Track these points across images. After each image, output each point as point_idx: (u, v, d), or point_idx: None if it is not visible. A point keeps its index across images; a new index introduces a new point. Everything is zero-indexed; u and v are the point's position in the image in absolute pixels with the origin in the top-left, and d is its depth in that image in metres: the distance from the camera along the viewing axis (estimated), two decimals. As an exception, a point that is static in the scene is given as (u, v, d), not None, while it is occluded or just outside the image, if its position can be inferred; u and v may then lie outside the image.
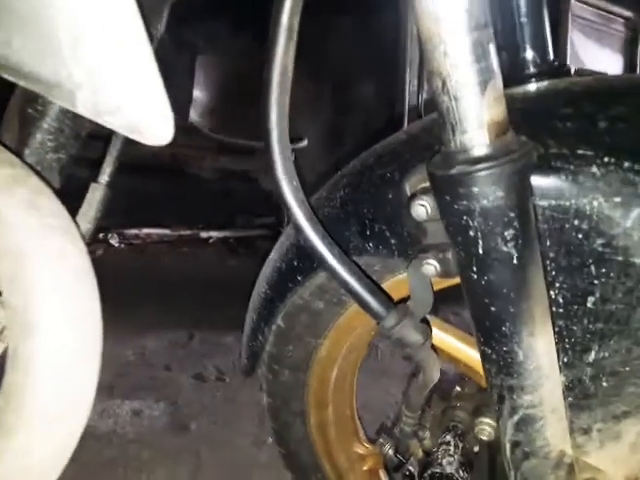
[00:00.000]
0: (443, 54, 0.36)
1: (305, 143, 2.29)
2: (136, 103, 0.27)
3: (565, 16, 1.88)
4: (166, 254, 2.60)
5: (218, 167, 2.50)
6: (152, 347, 1.77)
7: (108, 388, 1.44)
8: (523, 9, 0.60)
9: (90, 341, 0.32)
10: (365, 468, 0.85)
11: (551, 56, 0.61)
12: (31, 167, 0.35)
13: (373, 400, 1.52)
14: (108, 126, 0.28)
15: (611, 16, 2.10)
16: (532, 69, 0.61)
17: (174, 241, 2.68)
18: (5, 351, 0.33)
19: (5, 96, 0.41)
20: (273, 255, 0.68)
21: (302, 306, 0.64)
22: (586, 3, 1.98)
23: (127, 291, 1.93)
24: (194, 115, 2.33)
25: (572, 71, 0.61)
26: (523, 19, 0.61)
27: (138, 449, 1.32)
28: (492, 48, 0.37)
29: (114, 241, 2.51)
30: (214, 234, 2.91)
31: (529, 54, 0.61)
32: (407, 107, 2.11)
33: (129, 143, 0.42)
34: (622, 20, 2.15)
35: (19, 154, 0.37)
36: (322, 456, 0.82)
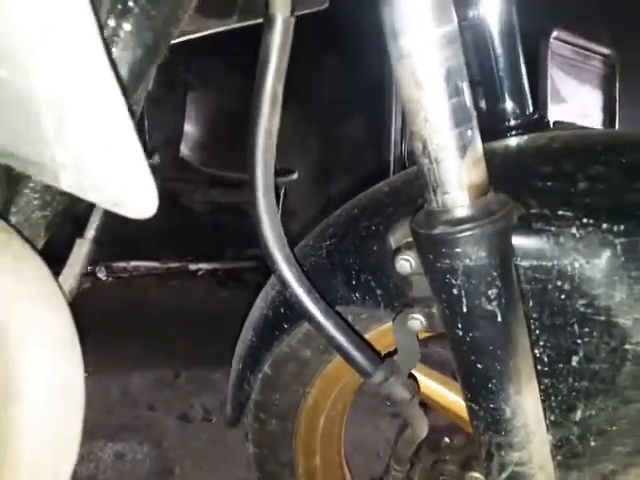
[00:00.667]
0: (424, 119, 0.37)
1: (295, 176, 2.32)
2: (121, 180, 0.27)
3: (544, 54, 1.94)
4: (154, 287, 2.58)
5: (208, 200, 2.51)
6: (137, 385, 1.73)
7: (90, 429, 1.40)
8: (502, 64, 0.62)
9: (72, 409, 0.32)
10: (354, 517, 0.84)
11: (530, 108, 0.63)
12: (15, 228, 0.35)
13: (364, 439, 1.49)
14: (94, 202, 0.28)
15: (589, 53, 2.16)
16: (512, 120, 0.62)
17: (162, 274, 2.66)
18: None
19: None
20: (259, 302, 0.67)
21: (289, 354, 0.64)
22: (565, 41, 2.04)
23: (113, 326, 1.90)
24: (185, 149, 2.35)
25: (550, 123, 0.63)
26: (502, 73, 0.63)
27: (120, 495, 1.29)
28: (472, 113, 0.38)
29: (102, 274, 2.48)
30: (203, 266, 2.89)
31: (509, 105, 0.63)
32: (393, 142, 2.15)
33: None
34: (600, 57, 2.21)
35: (5, 212, 0.37)
36: (310, 505, 0.80)
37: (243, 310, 0.72)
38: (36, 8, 0.22)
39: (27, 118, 0.25)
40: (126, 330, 2.00)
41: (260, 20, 0.69)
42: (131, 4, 0.38)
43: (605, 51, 2.20)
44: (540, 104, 1.84)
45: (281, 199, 2.41)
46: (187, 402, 1.68)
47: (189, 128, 2.35)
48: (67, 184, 0.27)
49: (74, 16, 0.23)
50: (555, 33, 1.94)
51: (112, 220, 0.49)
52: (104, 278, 2.49)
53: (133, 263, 2.58)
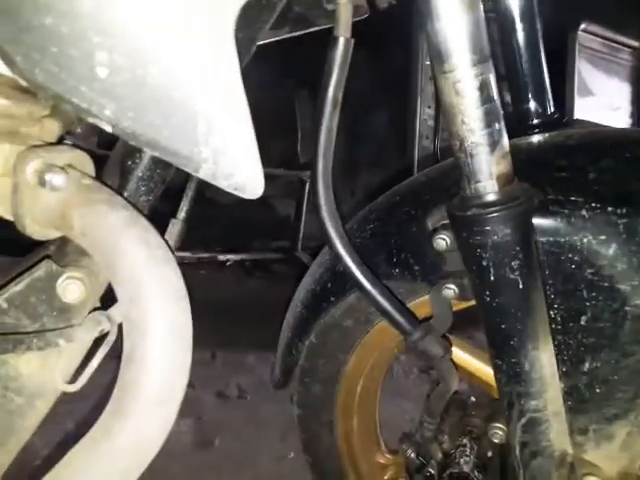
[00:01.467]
0: (461, 122, 0.45)
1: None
2: (243, 170, 0.36)
3: (572, 47, 1.95)
4: (185, 276, 2.69)
5: (237, 193, 2.59)
6: (176, 365, 1.85)
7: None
8: (525, 68, 0.70)
9: (185, 347, 0.42)
10: (386, 477, 0.92)
11: (551, 108, 0.71)
12: (136, 208, 0.45)
13: (389, 418, 1.57)
14: (220, 187, 0.38)
15: (618, 46, 2.15)
16: (535, 119, 0.70)
17: (193, 263, 2.77)
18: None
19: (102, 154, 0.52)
20: (307, 279, 0.76)
21: (333, 324, 0.73)
22: (593, 34, 2.04)
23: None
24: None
25: (569, 121, 0.70)
26: (526, 75, 0.71)
27: (167, 462, 1.40)
28: (500, 115, 0.46)
29: (136, 263, 2.59)
30: (231, 257, 2.98)
31: (532, 105, 0.71)
32: (417, 137, 2.19)
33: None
34: (629, 50, 2.21)
35: (124, 197, 0.47)
36: (347, 465, 0.88)
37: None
38: (201, 52, 0.31)
39: (186, 125, 0.34)
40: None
41: (307, 31, 0.78)
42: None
43: (634, 43, 2.17)
44: (568, 97, 1.87)
45: (306, 192, 2.50)
46: (223, 381, 1.79)
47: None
48: (204, 174, 0.37)
49: (227, 53, 0.32)
50: (583, 25, 1.93)
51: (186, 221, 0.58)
52: (181, 274, 2.59)
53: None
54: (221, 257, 2.94)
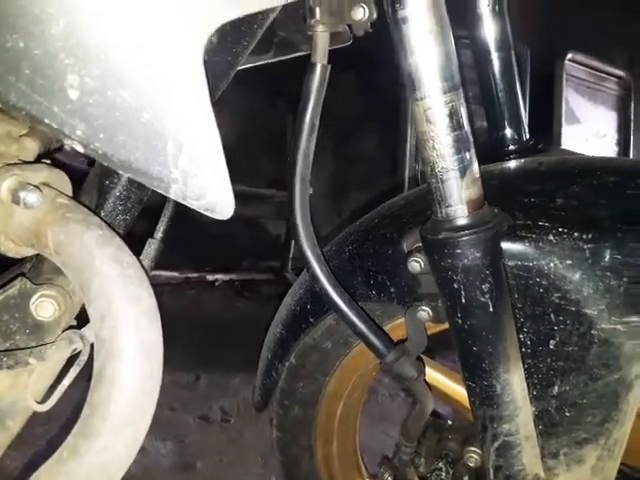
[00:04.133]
0: (432, 147, 0.47)
1: (311, 191, 2.42)
2: (212, 191, 0.37)
3: (560, 76, 1.99)
4: (173, 296, 2.68)
5: (226, 213, 2.60)
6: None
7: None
8: (501, 96, 0.72)
9: (156, 366, 0.42)
10: (366, 502, 0.91)
11: (526, 135, 0.73)
12: (111, 227, 0.45)
13: (373, 442, 1.56)
14: (190, 207, 0.39)
15: (604, 75, 2.21)
16: (510, 146, 0.72)
17: (181, 283, 2.75)
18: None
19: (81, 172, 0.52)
20: (287, 300, 0.77)
21: (313, 346, 0.73)
22: (580, 63, 2.09)
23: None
24: (205, 164, 2.46)
25: (544, 148, 0.72)
26: (502, 104, 0.73)
27: (146, 486, 1.37)
28: (470, 141, 0.48)
29: (123, 283, 2.57)
30: (220, 277, 2.97)
31: (508, 132, 0.73)
32: (408, 160, 2.21)
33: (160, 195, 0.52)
34: (615, 79, 2.27)
35: (99, 217, 0.48)
36: (327, 489, 0.88)
37: (258, 319, 0.81)
38: (171, 77, 0.33)
39: (156, 147, 0.35)
40: (148, 335, 2.09)
41: (292, 55, 0.80)
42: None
43: (620, 73, 2.23)
44: (555, 124, 1.91)
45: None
46: (207, 404, 1.77)
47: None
48: (175, 194, 0.38)
49: (195, 77, 0.33)
50: (570, 55, 1.98)
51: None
52: (153, 294, 2.58)
53: (153, 272, 2.68)
54: (210, 277, 2.93)
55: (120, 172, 0.38)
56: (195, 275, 2.89)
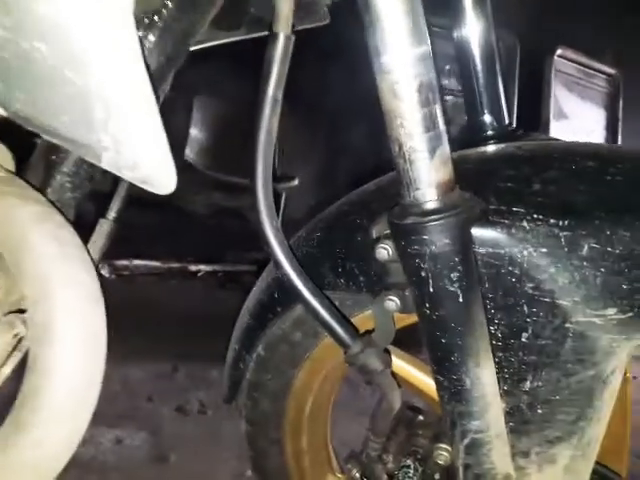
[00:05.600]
0: (400, 125, 0.44)
1: (296, 182, 2.38)
2: (148, 161, 0.34)
3: (549, 71, 1.98)
4: (155, 285, 2.64)
5: (211, 203, 2.57)
6: (136, 377, 1.79)
7: (92, 415, 1.46)
8: (481, 80, 0.69)
9: (97, 353, 0.38)
10: (337, 498, 0.89)
11: (506, 120, 0.70)
12: (53, 204, 0.42)
13: (351, 437, 1.54)
14: (126, 179, 0.35)
15: (593, 72, 2.20)
16: (489, 131, 0.69)
17: (163, 273, 2.71)
18: (23, 358, 0.39)
19: (29, 145, 0.49)
20: (256, 289, 0.74)
21: (281, 336, 0.70)
22: (569, 59, 2.08)
23: (115, 321, 1.96)
24: (190, 153, 2.41)
25: (523, 134, 0.70)
26: (481, 88, 0.70)
27: (118, 478, 1.34)
28: (440, 119, 0.45)
29: (105, 271, 2.53)
30: (203, 267, 2.93)
31: (487, 118, 0.70)
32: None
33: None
34: (604, 76, 2.26)
35: (43, 193, 0.44)
36: (297, 484, 0.85)
37: (239, 311, 0.78)
38: (94, 27, 0.29)
39: (82, 109, 0.32)
40: (128, 325, 2.05)
41: (264, 33, 0.77)
42: (156, 18, 0.45)
43: (609, 70, 2.23)
44: (543, 120, 1.90)
45: (282, 205, 2.48)
46: (184, 396, 1.74)
47: (194, 132, 2.42)
48: (107, 163, 0.34)
49: (123, 32, 0.30)
50: (560, 51, 1.97)
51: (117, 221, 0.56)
52: (107, 275, 2.55)
53: (135, 262, 2.64)
54: (192, 267, 2.89)
55: (47, 138, 0.35)
56: (177, 265, 2.85)
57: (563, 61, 2.09)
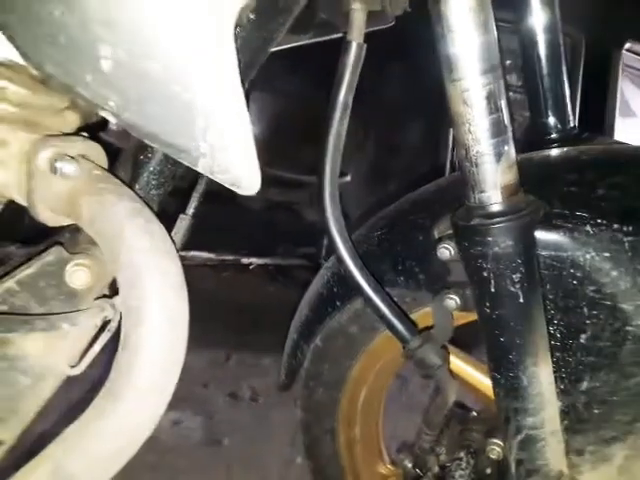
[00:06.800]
0: (468, 130, 0.45)
1: (348, 178, 2.40)
2: (239, 165, 0.38)
3: (616, 66, 1.91)
4: (209, 277, 2.73)
5: (265, 197, 2.62)
6: (192, 364, 1.87)
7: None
8: (546, 81, 0.69)
9: (180, 334, 0.43)
10: (387, 488, 0.91)
11: (570, 122, 0.70)
12: (142, 199, 0.46)
13: (401, 431, 1.56)
14: (218, 181, 0.39)
15: None
16: (553, 134, 0.69)
17: (217, 265, 2.80)
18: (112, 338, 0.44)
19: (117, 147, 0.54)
20: (315, 282, 0.77)
21: (339, 329, 0.73)
22: (638, 54, 2.00)
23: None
24: (245, 148, 2.47)
25: (588, 137, 0.69)
26: (546, 89, 0.70)
27: (175, 457, 1.42)
28: (508, 126, 0.46)
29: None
30: (255, 261, 2.99)
31: (551, 120, 0.70)
32: (450, 152, 2.16)
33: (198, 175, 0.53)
34: None
35: (131, 189, 0.49)
36: (348, 473, 0.88)
37: (290, 303, 0.81)
38: (200, 47, 0.33)
39: (185, 120, 0.36)
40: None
41: (331, 36, 0.79)
42: (238, 30, 0.48)
43: (681, 64, 2.12)
44: (608, 117, 1.83)
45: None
46: (237, 383, 1.80)
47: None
48: (202, 167, 0.38)
49: (224, 49, 0.33)
50: (628, 45, 1.90)
51: (175, 209, 0.60)
52: (181, 266, 2.63)
53: (191, 253, 2.73)
54: (245, 260, 2.96)
55: (149, 143, 0.39)
56: (231, 258, 2.92)
57: (631, 55, 2.01)
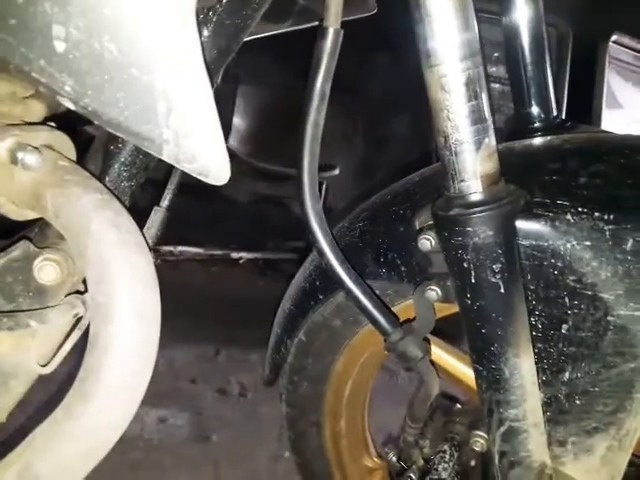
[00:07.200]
0: (446, 117, 0.44)
1: (337, 172, 2.39)
2: (206, 153, 0.36)
3: (602, 58, 1.91)
4: (198, 272, 2.71)
5: (253, 192, 2.61)
6: (180, 359, 1.86)
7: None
8: (529, 71, 0.68)
9: (151, 331, 0.41)
10: (372, 481, 0.91)
11: (554, 111, 0.69)
12: (112, 192, 0.45)
13: (388, 424, 1.56)
14: (184, 170, 0.37)
15: None
16: (536, 123, 0.69)
17: (206, 260, 2.78)
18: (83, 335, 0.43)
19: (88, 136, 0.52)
20: (298, 276, 0.76)
21: (322, 323, 0.72)
22: (625, 45, 2.00)
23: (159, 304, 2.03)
24: (233, 141, 2.45)
25: (572, 126, 0.69)
26: (529, 79, 0.69)
27: (161, 455, 1.40)
28: (487, 112, 0.45)
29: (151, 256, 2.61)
30: (244, 255, 2.98)
31: (534, 110, 0.69)
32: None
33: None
34: None
35: (101, 181, 0.47)
36: (334, 466, 0.87)
37: (279, 298, 0.81)
38: (159, 28, 0.31)
39: (145, 105, 0.34)
40: (172, 309, 2.12)
41: (312, 24, 0.78)
42: (210, 14, 0.47)
43: (668, 57, 2.13)
44: (595, 109, 1.84)
45: (322, 194, 2.49)
46: (225, 378, 1.79)
47: (238, 121, 2.45)
48: (167, 155, 0.36)
49: (186, 32, 0.32)
50: (615, 37, 1.90)
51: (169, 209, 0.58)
52: (153, 260, 2.62)
53: (180, 248, 2.71)
54: (234, 255, 2.94)
55: (113, 132, 0.37)
56: (220, 252, 2.91)
57: (618, 47, 2.01)
